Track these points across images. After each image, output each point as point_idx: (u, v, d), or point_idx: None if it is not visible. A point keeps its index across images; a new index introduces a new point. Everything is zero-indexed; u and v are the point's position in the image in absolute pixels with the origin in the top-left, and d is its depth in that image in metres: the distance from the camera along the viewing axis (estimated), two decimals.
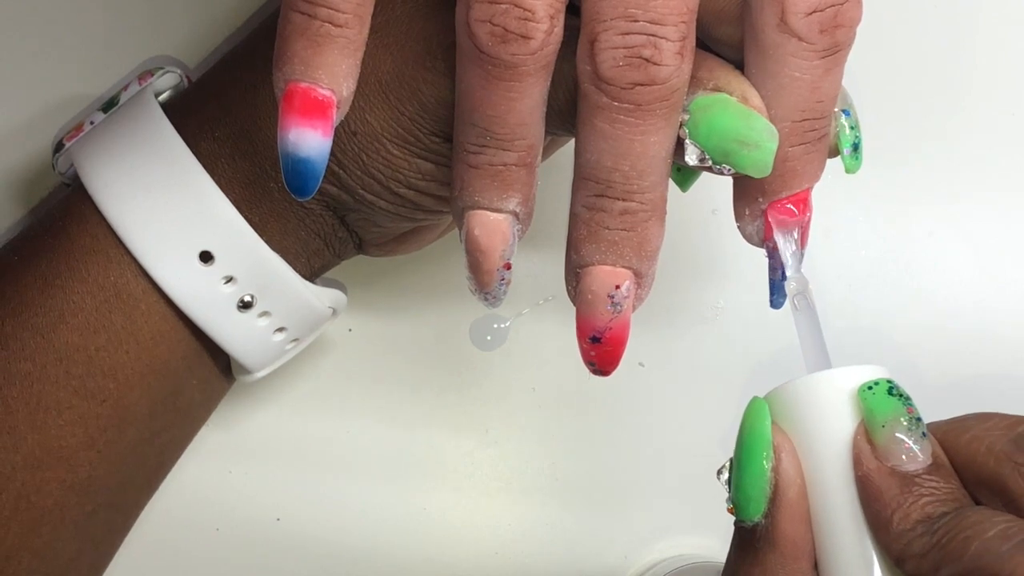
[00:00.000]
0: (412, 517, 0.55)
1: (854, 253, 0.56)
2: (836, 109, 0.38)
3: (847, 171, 0.39)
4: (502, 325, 0.55)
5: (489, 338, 0.55)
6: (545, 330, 0.55)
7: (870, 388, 0.35)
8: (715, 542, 0.55)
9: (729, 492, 0.36)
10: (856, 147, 0.38)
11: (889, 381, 0.35)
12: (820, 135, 0.37)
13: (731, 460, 0.36)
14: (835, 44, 0.35)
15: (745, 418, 0.36)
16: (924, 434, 0.34)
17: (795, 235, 0.38)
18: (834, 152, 0.38)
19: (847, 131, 0.38)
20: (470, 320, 0.55)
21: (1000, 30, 0.56)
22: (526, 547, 0.55)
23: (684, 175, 0.42)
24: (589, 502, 0.55)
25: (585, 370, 0.55)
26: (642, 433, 0.55)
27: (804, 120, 0.36)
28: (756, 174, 0.36)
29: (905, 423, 0.34)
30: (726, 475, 0.36)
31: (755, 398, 0.36)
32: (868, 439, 0.34)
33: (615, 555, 0.55)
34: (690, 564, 0.53)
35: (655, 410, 0.55)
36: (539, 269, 0.54)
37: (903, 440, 0.34)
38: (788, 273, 0.38)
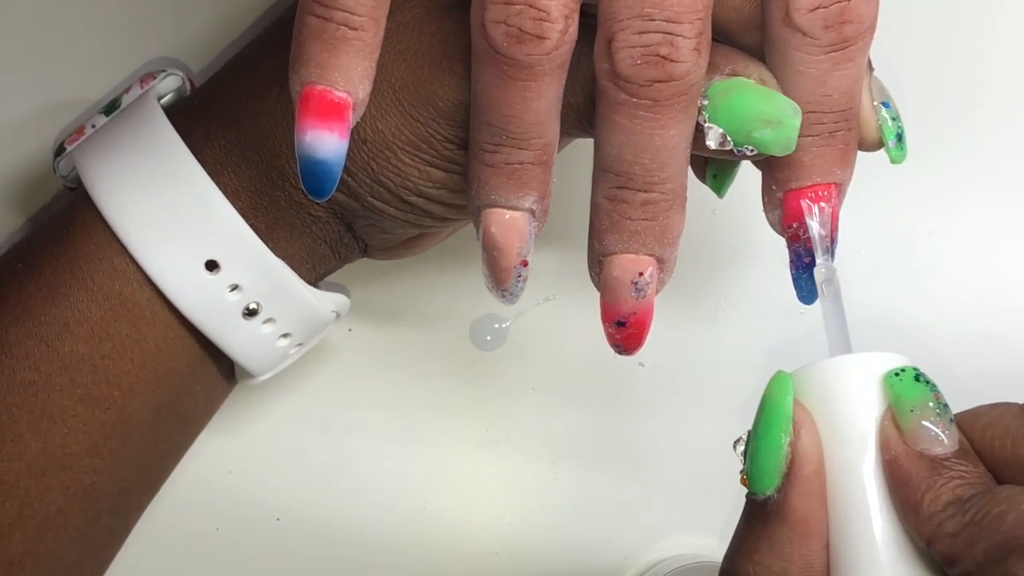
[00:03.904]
0: (412, 517, 0.55)
1: (854, 253, 0.56)
2: (875, 102, 0.38)
3: (892, 162, 0.39)
4: (502, 325, 0.55)
5: (489, 338, 0.55)
6: (545, 330, 0.55)
7: (897, 375, 0.35)
8: (715, 542, 0.55)
9: (744, 463, 0.36)
10: (900, 137, 0.39)
11: (915, 368, 0.35)
12: (830, 130, 0.37)
13: (748, 432, 0.36)
14: (843, 40, 0.36)
15: (767, 391, 0.36)
16: (951, 420, 0.35)
17: (823, 222, 0.38)
18: (878, 145, 0.39)
19: (888, 123, 0.38)
20: (470, 320, 0.55)
21: (1001, 30, 0.56)
22: (526, 547, 0.55)
23: (719, 181, 0.42)
24: (589, 502, 0.55)
25: (585, 370, 0.55)
26: (642, 433, 0.55)
27: (809, 113, 0.37)
28: (780, 152, 0.37)
29: (933, 408, 0.35)
30: (742, 447, 0.36)
31: (779, 372, 0.36)
32: (895, 424, 0.35)
33: (615, 555, 0.55)
34: (690, 564, 0.53)
35: (655, 410, 0.55)
36: (539, 269, 0.54)
37: (931, 425, 0.34)
38: (817, 260, 0.38)
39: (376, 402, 0.55)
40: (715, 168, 0.42)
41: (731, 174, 0.42)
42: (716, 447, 0.55)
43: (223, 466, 0.54)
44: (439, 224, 0.43)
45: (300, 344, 0.46)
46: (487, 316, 0.55)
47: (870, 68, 0.38)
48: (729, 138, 0.36)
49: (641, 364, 0.55)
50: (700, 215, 0.54)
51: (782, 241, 0.39)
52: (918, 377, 0.35)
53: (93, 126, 0.46)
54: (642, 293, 0.38)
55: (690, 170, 0.39)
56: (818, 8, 0.35)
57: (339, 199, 0.42)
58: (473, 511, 0.55)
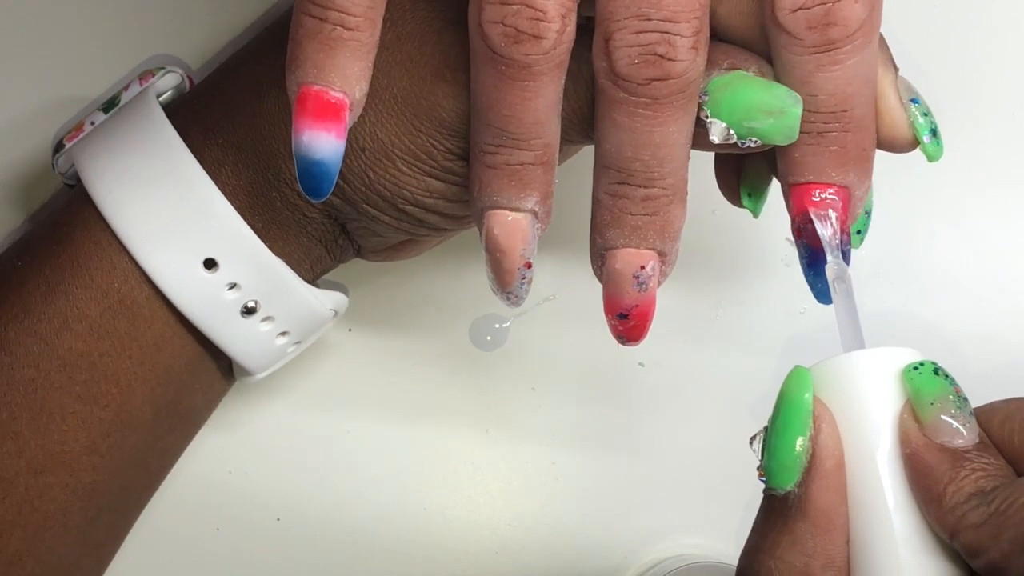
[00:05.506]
0: (412, 517, 0.55)
1: (854, 253, 0.55)
2: (905, 100, 0.38)
3: (929, 159, 0.39)
4: (502, 325, 0.55)
5: (489, 338, 0.55)
6: (545, 330, 0.55)
7: (916, 368, 0.35)
8: (715, 542, 0.55)
9: (761, 459, 0.36)
10: (934, 132, 0.39)
11: (934, 363, 0.35)
12: (819, 130, 0.37)
13: (765, 427, 0.36)
14: (827, 41, 0.36)
15: (785, 386, 0.36)
16: (971, 413, 0.35)
17: (833, 221, 0.38)
18: (913, 143, 0.39)
19: (920, 119, 0.38)
20: (470, 320, 0.55)
21: (1002, 31, 0.56)
22: (526, 547, 0.55)
23: (754, 199, 0.42)
24: (589, 502, 0.55)
25: (586, 370, 0.55)
26: (642, 433, 0.55)
27: None
28: (784, 141, 0.37)
29: (953, 401, 0.35)
30: (759, 443, 0.36)
31: (797, 367, 0.36)
32: (915, 417, 0.35)
33: (615, 555, 0.55)
34: (690, 564, 0.53)
35: (655, 410, 0.55)
36: (539, 269, 0.54)
37: (951, 419, 0.34)
38: (828, 258, 0.38)
39: (376, 402, 0.55)
40: (748, 187, 0.42)
41: (764, 192, 0.42)
42: (717, 446, 0.55)
43: (223, 466, 0.54)
44: (433, 233, 0.43)
45: (298, 342, 0.46)
46: (487, 316, 0.55)
47: (895, 68, 0.38)
48: (732, 131, 0.37)
49: (641, 364, 0.55)
50: (700, 215, 0.54)
51: (783, 241, 0.39)
52: (937, 371, 0.35)
53: (92, 123, 0.46)
54: (644, 286, 0.38)
55: (688, 169, 0.39)
56: (800, 9, 0.35)
57: (334, 202, 0.42)
58: (473, 511, 0.55)
